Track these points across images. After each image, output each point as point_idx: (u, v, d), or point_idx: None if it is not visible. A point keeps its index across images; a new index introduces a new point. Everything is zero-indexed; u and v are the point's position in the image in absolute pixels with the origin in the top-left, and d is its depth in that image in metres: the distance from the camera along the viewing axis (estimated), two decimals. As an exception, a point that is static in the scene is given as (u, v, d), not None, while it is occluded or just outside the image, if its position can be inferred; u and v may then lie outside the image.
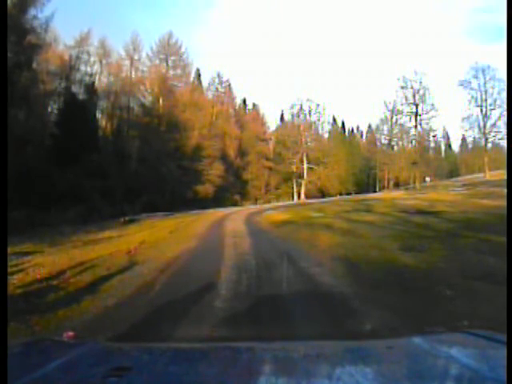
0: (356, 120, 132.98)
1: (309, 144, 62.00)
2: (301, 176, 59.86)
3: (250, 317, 5.03)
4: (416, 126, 56.96)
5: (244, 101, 65.01)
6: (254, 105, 65.41)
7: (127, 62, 47.84)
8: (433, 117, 56.26)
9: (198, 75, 56.72)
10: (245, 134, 57.28)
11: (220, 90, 59.41)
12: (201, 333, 4.37)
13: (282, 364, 1.44)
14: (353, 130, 79.66)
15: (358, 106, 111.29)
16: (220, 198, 46.45)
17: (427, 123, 57.14)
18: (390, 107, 60.25)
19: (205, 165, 46.16)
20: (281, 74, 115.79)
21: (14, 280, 7.67)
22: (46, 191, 26.99)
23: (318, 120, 64.27)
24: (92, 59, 44.41)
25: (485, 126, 50.29)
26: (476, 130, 51.82)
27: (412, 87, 55.59)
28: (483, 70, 49.52)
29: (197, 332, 4.40)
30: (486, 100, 49.92)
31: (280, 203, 45.47)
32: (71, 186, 29.00)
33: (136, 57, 48.25)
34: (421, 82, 55.04)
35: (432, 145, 67.78)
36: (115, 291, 6.66)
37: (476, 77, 49.95)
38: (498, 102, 49.21)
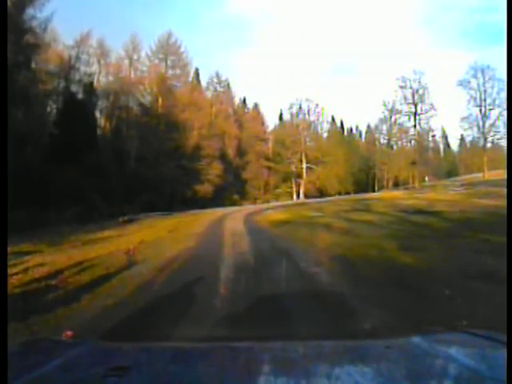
0: (355, 120, 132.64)
1: (308, 144, 62.02)
2: (300, 176, 59.88)
3: (249, 316, 5.03)
4: (415, 126, 57.00)
5: (244, 100, 65.11)
6: (254, 104, 65.50)
7: (126, 62, 47.94)
8: (432, 116, 56.34)
9: (197, 75, 56.73)
10: (244, 134, 57.30)
11: (219, 89, 59.46)
12: (200, 332, 4.37)
13: (281, 364, 1.44)
14: (352, 129, 79.69)
15: (357, 105, 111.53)
16: (219, 198, 46.43)
17: (426, 123, 57.25)
18: (389, 107, 60.22)
19: (204, 164, 46.14)
20: (280, 74, 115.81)
21: (13, 280, 7.66)
22: (45, 191, 26.93)
23: (317, 120, 64.36)
24: (91, 59, 44.47)
25: (484, 126, 50.29)
26: (475, 129, 51.77)
27: (411, 87, 55.62)
28: (482, 70, 49.52)
29: (196, 331, 4.39)
30: (485, 100, 49.91)
31: (279, 203, 45.46)
32: (70, 185, 28.93)
33: (135, 57, 48.34)
34: (420, 82, 55.10)
35: (431, 144, 67.99)
36: (114, 291, 6.66)
37: (475, 76, 49.94)
38: (497, 102, 49.25)
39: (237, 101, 63.56)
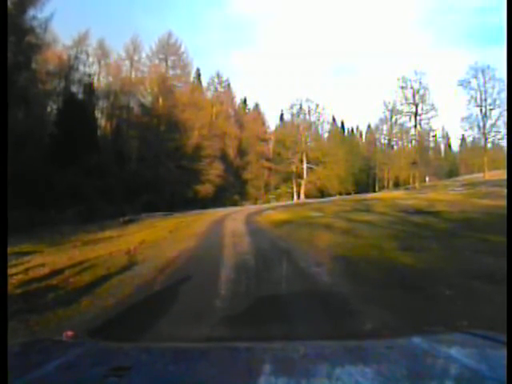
0: (355, 120, 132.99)
1: (308, 144, 62.05)
2: (300, 176, 59.87)
3: (249, 316, 5.03)
4: (416, 126, 57.09)
5: (244, 100, 65.13)
6: (254, 105, 65.52)
7: (127, 62, 48.01)
8: (432, 117, 56.54)
9: (198, 75, 56.74)
10: (244, 134, 57.32)
11: (219, 89, 59.50)
12: (200, 332, 4.37)
13: (281, 364, 1.44)
14: (352, 129, 79.75)
15: (358, 105, 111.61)
16: (220, 198, 46.44)
17: (427, 123, 57.44)
18: (390, 107, 60.39)
19: (204, 165, 46.15)
20: (281, 74, 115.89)
21: (14, 280, 7.66)
22: (46, 191, 26.96)
23: (318, 120, 64.43)
24: (91, 59, 44.54)
25: (484, 126, 50.27)
26: (476, 129, 51.77)
27: (412, 87, 55.78)
28: (483, 70, 49.55)
29: (196, 332, 4.39)
30: (485, 100, 49.92)
31: (280, 203, 45.44)
32: (71, 185, 28.97)
33: (136, 57, 48.38)
34: (420, 82, 55.30)
35: (432, 145, 68.11)
36: (115, 291, 6.65)
37: (476, 77, 49.96)
38: (497, 102, 49.25)
39: (237, 101, 63.75)
